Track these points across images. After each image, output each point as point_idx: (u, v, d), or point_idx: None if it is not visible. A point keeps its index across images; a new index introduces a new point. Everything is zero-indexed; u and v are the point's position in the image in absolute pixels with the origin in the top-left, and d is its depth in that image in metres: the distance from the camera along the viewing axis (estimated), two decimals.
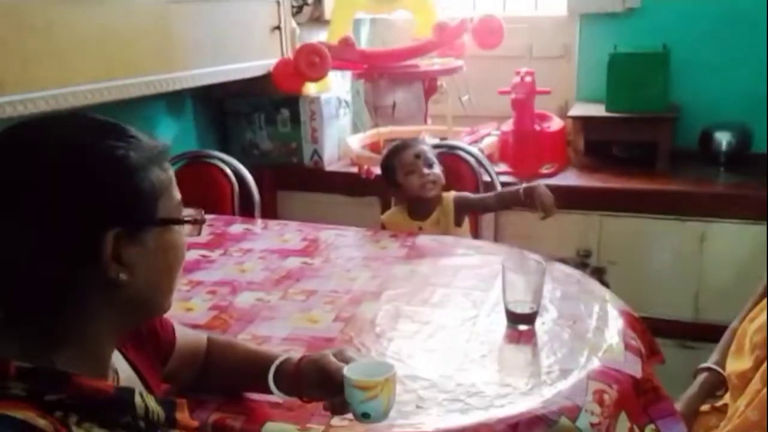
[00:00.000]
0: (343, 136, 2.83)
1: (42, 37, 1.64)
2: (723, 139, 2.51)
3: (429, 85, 2.72)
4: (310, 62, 2.43)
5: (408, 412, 1.05)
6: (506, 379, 1.15)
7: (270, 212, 2.61)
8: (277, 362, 1.03)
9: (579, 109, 2.67)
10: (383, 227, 2.08)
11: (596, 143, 2.63)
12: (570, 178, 2.54)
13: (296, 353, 1.07)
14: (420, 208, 2.03)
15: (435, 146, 2.22)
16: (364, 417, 0.93)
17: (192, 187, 2.20)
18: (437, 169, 1.99)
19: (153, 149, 0.75)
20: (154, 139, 0.77)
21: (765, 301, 1.37)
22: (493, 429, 1.01)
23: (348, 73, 2.85)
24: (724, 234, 2.27)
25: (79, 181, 0.68)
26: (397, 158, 2.03)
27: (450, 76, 2.71)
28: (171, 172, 0.78)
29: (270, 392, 1.01)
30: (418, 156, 1.99)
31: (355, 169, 2.65)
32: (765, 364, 1.25)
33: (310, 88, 2.67)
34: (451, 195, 2.02)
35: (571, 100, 2.81)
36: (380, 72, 2.65)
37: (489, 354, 1.24)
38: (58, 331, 0.72)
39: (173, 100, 2.52)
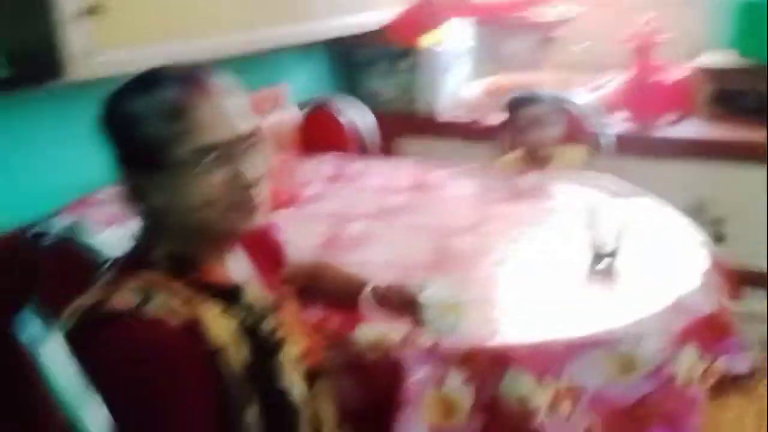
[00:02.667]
0: (461, 84, 2.92)
1: None
2: None
3: (544, 34, 2.73)
4: (427, 13, 2.52)
5: (489, 331, 1.18)
6: (582, 307, 1.24)
7: (389, 157, 2.77)
8: (371, 285, 1.19)
9: (705, 58, 2.59)
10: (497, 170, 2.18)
11: (723, 93, 2.55)
12: (692, 128, 2.49)
13: (386, 280, 1.21)
14: (534, 159, 2.10)
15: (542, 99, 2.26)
16: (436, 332, 1.11)
17: (317, 131, 2.45)
18: (553, 130, 2.05)
19: (163, 103, 0.86)
20: (186, 92, 0.87)
21: None
22: (555, 347, 1.12)
23: (467, 22, 2.91)
24: None
25: (103, 128, 0.91)
26: (515, 113, 2.10)
27: (567, 25, 2.71)
28: (195, 120, 0.86)
29: (363, 310, 1.18)
30: (535, 116, 2.06)
31: (471, 117, 2.74)
32: None
33: (429, 38, 2.77)
34: (581, 151, 2.06)
35: (698, 48, 2.71)
36: (497, 21, 2.70)
37: (567, 286, 1.34)
38: (158, 232, 0.93)
39: (305, 50, 2.72)
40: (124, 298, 0.83)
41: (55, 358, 0.83)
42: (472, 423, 1.14)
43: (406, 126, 2.90)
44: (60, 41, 1.51)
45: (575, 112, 2.32)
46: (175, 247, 0.92)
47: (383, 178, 2.06)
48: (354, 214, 1.76)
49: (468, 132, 2.74)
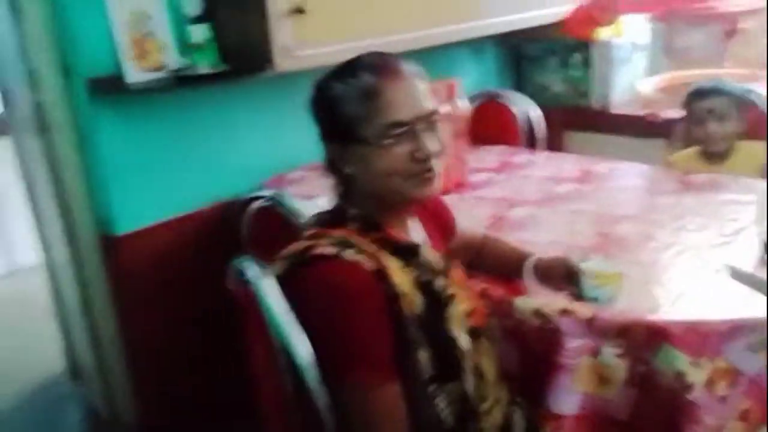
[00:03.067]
0: (634, 79, 2.89)
1: None
2: None
3: (729, 26, 2.63)
4: (603, 8, 2.54)
5: (647, 307, 1.23)
6: (739, 292, 1.26)
7: (558, 150, 2.81)
8: (533, 258, 1.30)
9: None
10: (670, 166, 2.17)
11: None
12: None
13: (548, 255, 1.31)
14: (711, 154, 2.07)
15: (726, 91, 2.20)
16: (593, 300, 1.19)
17: (486, 123, 2.56)
18: (729, 126, 2.01)
19: (359, 89, 1.03)
20: (379, 77, 1.03)
21: None
22: (713, 326, 1.16)
23: (643, 16, 2.88)
24: None
25: (311, 109, 1.12)
26: (691, 105, 2.08)
27: (753, 16, 2.59)
28: (385, 101, 1.02)
29: (525, 281, 1.29)
30: (711, 110, 2.02)
31: (643, 112, 2.71)
32: None
33: (604, 33, 2.77)
34: (758, 147, 2.01)
35: None
36: (676, 14, 2.64)
37: (734, 273, 1.34)
38: (352, 196, 1.11)
39: (476, 46, 2.84)
40: (326, 246, 1.01)
41: (271, 294, 1.03)
42: (625, 394, 1.21)
43: (576, 120, 2.92)
44: (269, 38, 1.75)
45: (761, 107, 2.23)
46: (365, 209, 1.09)
47: (550, 169, 2.13)
48: (519, 200, 1.86)
49: (640, 128, 2.71)
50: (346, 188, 1.12)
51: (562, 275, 1.24)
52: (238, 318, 1.61)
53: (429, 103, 1.07)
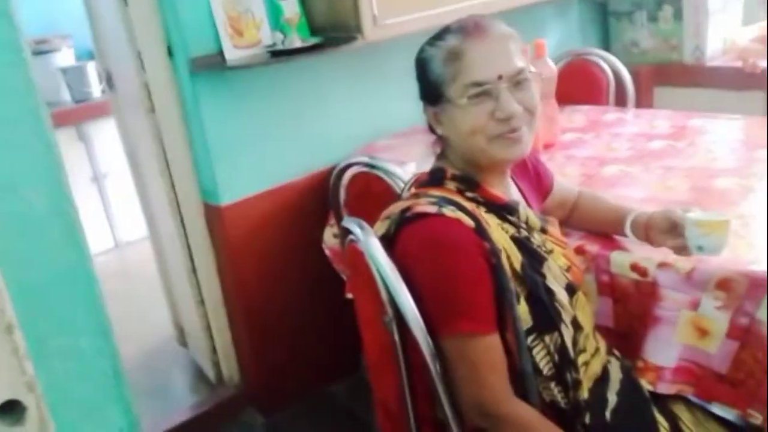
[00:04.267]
0: (730, 30, 2.77)
1: None
2: None
3: None
4: None
5: (746, 258, 1.22)
6: None
7: (648, 107, 2.75)
8: (633, 213, 1.30)
9: None
10: None
11: None
12: None
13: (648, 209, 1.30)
14: None
15: None
16: (699, 250, 1.17)
17: (573, 82, 2.54)
18: None
19: (445, 48, 1.07)
20: (464, 37, 1.07)
21: None
22: None
23: None
24: None
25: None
26: None
27: None
28: (467, 62, 1.06)
29: (625, 236, 1.29)
30: None
31: (739, 64, 2.60)
32: None
33: None
34: None
35: None
36: None
37: None
38: (448, 156, 1.15)
39: (561, 3, 2.79)
40: (427, 205, 1.06)
41: (377, 250, 1.09)
42: (726, 347, 1.20)
43: (667, 76, 2.84)
44: (357, 9, 1.80)
45: None
46: (461, 168, 1.13)
47: (640, 126, 2.09)
48: (610, 158, 1.84)
49: (737, 80, 2.61)
50: (443, 149, 1.16)
51: (666, 228, 1.22)
52: (335, 282, 1.70)
53: (515, 63, 1.08)
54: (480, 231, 1.04)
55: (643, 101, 2.74)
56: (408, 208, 1.07)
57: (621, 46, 2.95)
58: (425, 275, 1.04)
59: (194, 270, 2.13)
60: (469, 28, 1.09)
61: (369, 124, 2.26)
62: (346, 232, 1.15)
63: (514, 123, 1.08)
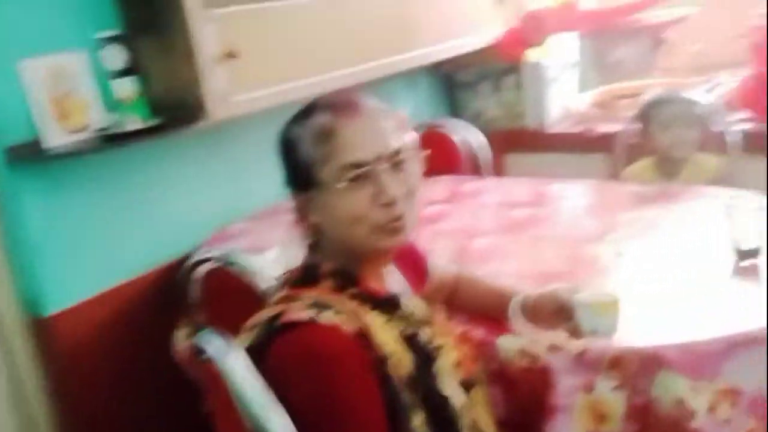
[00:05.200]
0: (568, 96, 2.91)
1: (305, 34, 1.96)
2: None
3: (656, 37, 2.69)
4: (533, 28, 2.55)
5: (637, 333, 1.17)
6: (727, 306, 1.22)
7: (499, 174, 2.78)
8: (519, 297, 1.21)
9: None
10: (623, 180, 2.15)
11: None
12: None
13: (532, 291, 1.22)
14: (667, 165, 2.06)
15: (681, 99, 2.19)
16: (593, 333, 1.10)
17: (431, 153, 2.50)
18: (694, 132, 2.01)
19: (314, 127, 0.95)
20: (335, 115, 0.95)
21: None
22: (710, 346, 1.10)
23: (572, 34, 2.91)
24: None
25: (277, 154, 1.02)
26: (655, 111, 2.06)
27: (677, 26, 2.65)
28: (341, 141, 0.94)
29: (509, 320, 1.20)
30: (677, 115, 2.02)
31: (581, 128, 2.72)
32: None
33: (534, 53, 2.78)
34: (712, 161, 2.01)
35: None
36: (604, 30, 2.68)
37: (711, 285, 1.31)
38: (322, 247, 1.01)
39: (408, 78, 2.80)
40: (301, 310, 0.90)
41: (239, 370, 0.91)
42: (627, 427, 1.14)
43: (514, 142, 2.90)
44: (201, 86, 1.64)
45: (704, 115, 2.26)
46: (338, 261, 0.99)
47: (501, 195, 2.08)
48: (479, 230, 1.79)
49: (577, 144, 2.72)
50: (316, 240, 1.02)
51: (554, 311, 1.15)
52: (193, 391, 1.46)
53: (393, 141, 0.98)
54: (363, 337, 0.90)
55: (496, 168, 2.78)
56: (278, 315, 0.91)
57: (469, 115, 3.00)
58: (303, 398, 0.87)
59: (19, 396, 1.79)
60: (339, 104, 0.98)
61: (224, 206, 2.08)
62: (199, 349, 0.96)
63: (397, 209, 0.96)
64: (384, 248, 1.00)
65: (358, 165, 0.94)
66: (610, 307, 1.07)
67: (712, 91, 2.54)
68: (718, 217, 1.53)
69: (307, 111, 0.99)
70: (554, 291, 1.15)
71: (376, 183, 0.95)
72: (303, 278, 0.99)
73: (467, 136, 2.57)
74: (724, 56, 2.61)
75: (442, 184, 2.27)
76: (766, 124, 2.36)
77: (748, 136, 2.16)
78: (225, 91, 1.70)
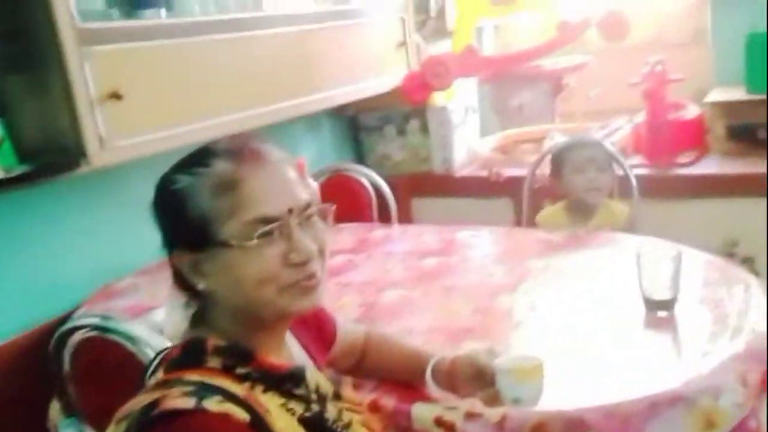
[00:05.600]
0: (471, 141, 2.91)
1: (197, 75, 1.83)
2: None
3: (555, 83, 2.74)
4: (436, 73, 2.53)
5: (552, 395, 1.10)
6: (645, 362, 1.17)
7: (406, 219, 2.72)
8: (433, 361, 1.11)
9: (717, 94, 2.58)
10: (535, 227, 2.13)
11: (738, 128, 2.53)
12: (711, 166, 2.46)
13: (449, 353, 1.12)
14: (579, 210, 2.05)
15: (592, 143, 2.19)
16: (516, 402, 1.00)
17: (333, 200, 2.40)
18: (608, 176, 2.01)
19: (214, 178, 0.82)
20: (238, 163, 0.83)
21: None
22: (633, 407, 1.04)
23: (474, 79, 2.93)
24: None
25: (154, 209, 0.87)
26: (569, 154, 2.05)
27: (576, 72, 2.71)
28: (247, 193, 0.82)
29: (425, 387, 1.10)
30: (591, 158, 2.01)
31: (484, 173, 2.71)
32: None
33: (438, 98, 2.77)
34: (623, 209, 2.02)
35: (707, 85, 2.71)
36: (505, 75, 2.70)
37: (627, 340, 1.27)
38: (210, 318, 0.87)
39: (312, 121, 2.71)
40: (182, 396, 0.76)
41: None
42: None
43: (420, 187, 2.87)
44: (80, 129, 1.48)
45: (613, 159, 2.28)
46: (230, 334, 0.86)
47: (409, 243, 2.01)
48: (387, 282, 1.70)
49: (483, 189, 2.71)
50: (204, 308, 0.88)
51: (471, 375, 1.04)
52: None
53: (303, 193, 0.87)
54: (258, 425, 0.77)
55: (402, 213, 2.72)
56: (154, 403, 0.77)
57: (374, 159, 2.94)
58: None
59: None
60: (243, 152, 0.85)
61: (110, 260, 1.89)
62: None
63: (310, 267, 0.85)
64: (295, 311, 0.88)
65: (267, 220, 0.83)
66: (533, 373, 0.99)
67: (610, 136, 2.60)
68: (629, 265, 1.52)
69: (201, 158, 0.85)
70: (472, 354, 1.06)
71: (287, 239, 0.84)
72: (185, 358, 0.84)
73: (374, 180, 2.50)
74: (621, 102, 2.69)
75: (348, 232, 2.18)
76: (660, 169, 2.44)
77: (641, 181, 2.19)
78: (108, 135, 1.55)
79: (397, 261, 1.85)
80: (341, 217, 2.37)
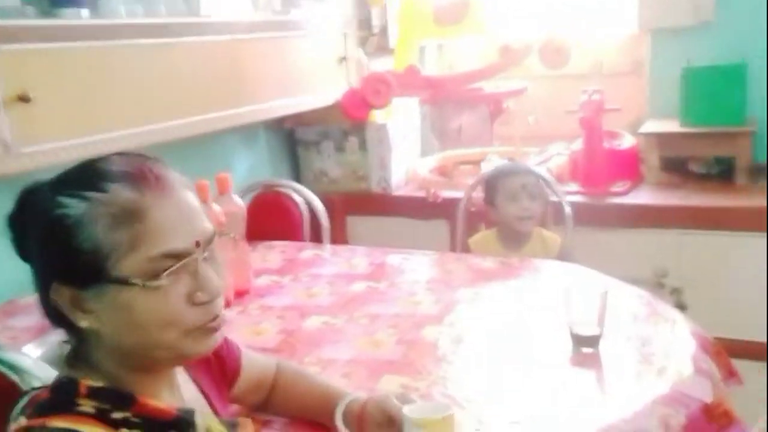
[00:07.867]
0: (410, 161, 2.87)
1: (118, 81, 1.72)
2: None
3: (495, 107, 2.73)
4: (376, 91, 2.48)
5: None
6: (569, 403, 1.13)
7: (340, 237, 2.66)
8: (345, 401, 1.05)
9: (652, 126, 2.61)
10: (468, 250, 2.09)
11: (671, 160, 2.56)
12: (644, 196, 2.48)
13: (362, 394, 1.07)
14: (511, 237, 2.03)
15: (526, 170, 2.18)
16: None
17: (264, 216, 2.33)
18: (540, 204, 1.99)
19: (113, 206, 0.73)
20: (140, 190, 0.74)
21: None
22: None
23: (414, 99, 2.89)
24: None
25: (30, 237, 0.76)
26: (502, 181, 2.03)
27: (516, 97, 2.71)
28: (153, 225, 0.74)
29: (335, 427, 1.03)
30: (524, 186, 1.99)
31: (422, 193, 2.67)
32: None
33: (377, 116, 2.72)
34: (556, 239, 2.01)
35: (643, 116, 2.75)
36: (445, 97, 2.68)
37: (552, 377, 1.23)
38: (89, 357, 0.78)
39: (247, 133, 2.62)
40: None
41: None
42: None
43: (356, 205, 2.81)
44: None
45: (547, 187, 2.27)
46: (112, 375, 0.77)
47: (339, 265, 1.94)
48: (311, 307, 1.62)
49: (420, 209, 2.67)
50: (83, 347, 0.79)
51: (381, 421, 0.99)
52: None
53: (208, 224, 0.79)
54: None
55: (337, 230, 2.66)
56: None
57: (311, 175, 2.87)
58: None
59: None
60: (146, 178, 0.75)
61: (10, 275, 1.74)
62: None
63: (216, 307, 0.78)
64: (196, 354, 0.80)
65: (175, 255, 0.74)
66: (442, 425, 0.93)
67: (547, 162, 2.60)
68: (558, 296, 1.49)
69: (95, 182, 0.74)
70: (383, 399, 1.00)
71: (193, 276, 0.76)
72: (52, 401, 0.74)
73: (308, 197, 2.42)
74: (559, 128, 2.69)
75: (277, 251, 2.09)
76: (594, 198, 2.44)
77: (575, 209, 2.19)
78: (13, 140, 1.43)
79: (324, 285, 1.78)
80: (271, 235, 2.31)
